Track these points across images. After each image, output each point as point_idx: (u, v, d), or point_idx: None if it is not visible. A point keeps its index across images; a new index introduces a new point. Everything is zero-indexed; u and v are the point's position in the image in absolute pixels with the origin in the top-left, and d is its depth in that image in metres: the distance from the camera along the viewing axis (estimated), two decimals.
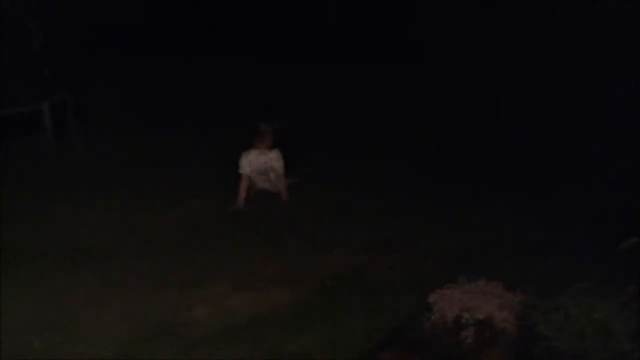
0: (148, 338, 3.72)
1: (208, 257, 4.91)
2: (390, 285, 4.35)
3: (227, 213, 5.68)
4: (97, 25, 10.67)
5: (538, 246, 4.82)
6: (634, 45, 7.19)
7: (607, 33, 7.80)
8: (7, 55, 6.88)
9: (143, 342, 3.68)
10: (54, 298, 4.22)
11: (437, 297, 3.60)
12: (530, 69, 8.55)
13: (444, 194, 5.98)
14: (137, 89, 9.38)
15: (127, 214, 5.71)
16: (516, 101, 8.11)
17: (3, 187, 6.21)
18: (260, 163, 6.00)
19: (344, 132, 7.88)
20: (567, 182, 5.93)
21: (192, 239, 5.23)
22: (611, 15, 7.83)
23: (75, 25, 9.59)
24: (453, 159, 6.91)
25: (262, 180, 6.07)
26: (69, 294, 4.27)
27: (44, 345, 3.62)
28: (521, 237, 5.02)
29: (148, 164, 6.94)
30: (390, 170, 6.63)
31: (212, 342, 3.73)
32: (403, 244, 5.01)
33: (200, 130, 7.91)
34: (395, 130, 7.78)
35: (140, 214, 5.72)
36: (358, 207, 5.75)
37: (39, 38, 7.06)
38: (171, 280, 4.52)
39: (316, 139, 7.50)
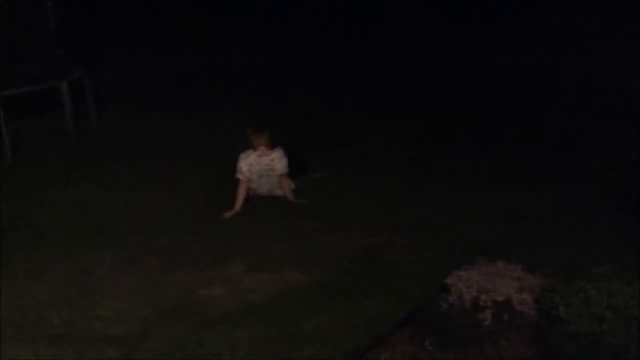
0: (165, 316, 3.74)
1: (221, 237, 4.91)
2: (405, 267, 4.33)
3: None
4: (110, 5, 10.65)
5: (555, 231, 4.76)
6: None
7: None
8: (23, 33, 6.88)
9: (160, 319, 3.70)
10: (71, 275, 4.25)
11: (454, 279, 3.58)
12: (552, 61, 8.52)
13: (457, 179, 5.94)
14: (153, 71, 9.37)
15: (141, 194, 5.72)
16: (532, 91, 8.08)
17: (21, 166, 6.26)
18: (261, 166, 5.49)
19: (350, 118, 7.81)
20: (581, 167, 5.89)
21: (204, 219, 5.24)
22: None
23: (91, 5, 9.59)
24: (466, 146, 6.85)
25: (263, 184, 5.55)
26: (86, 272, 4.30)
27: (64, 321, 3.64)
28: (538, 222, 4.95)
29: (161, 146, 6.95)
30: (403, 156, 6.59)
31: (228, 320, 3.74)
32: (418, 227, 4.97)
33: (214, 114, 7.86)
34: (407, 116, 7.73)
35: (154, 195, 5.73)
36: (371, 192, 5.71)
37: (54, 17, 7.05)
38: (185, 259, 4.54)
39: (321, 126, 7.43)
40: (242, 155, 5.53)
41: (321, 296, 4.00)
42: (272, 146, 5.53)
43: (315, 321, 3.72)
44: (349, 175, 6.10)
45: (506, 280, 3.52)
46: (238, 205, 5.39)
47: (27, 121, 7.32)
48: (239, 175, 5.48)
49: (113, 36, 10.20)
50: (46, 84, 7.00)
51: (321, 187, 5.84)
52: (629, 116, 6.71)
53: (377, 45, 10.13)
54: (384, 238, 4.81)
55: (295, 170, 5.73)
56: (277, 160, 5.52)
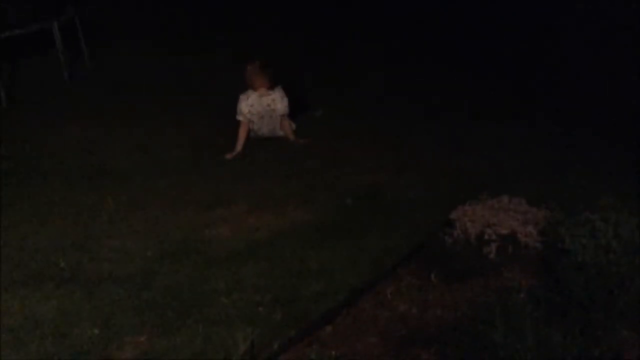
0: (172, 255, 3.76)
1: (223, 178, 4.91)
2: (409, 203, 4.34)
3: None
4: None
5: (560, 164, 4.76)
6: None
7: None
8: None
9: (167, 259, 3.72)
10: (76, 218, 4.24)
11: (459, 214, 3.59)
12: None
13: (458, 115, 5.89)
14: (146, 11, 9.11)
15: (140, 136, 5.68)
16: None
17: (16, 110, 6.17)
18: (262, 106, 5.44)
19: (348, 58, 7.65)
20: (582, 101, 5.84)
21: (205, 160, 5.23)
22: None
23: None
24: (465, 82, 6.75)
25: (264, 125, 5.49)
26: (90, 214, 4.30)
27: (70, 264, 3.65)
28: (541, 156, 4.95)
29: (158, 86, 6.84)
30: (401, 94, 6.51)
31: (234, 259, 3.76)
32: (419, 163, 4.97)
33: (209, 54, 7.71)
34: (404, 54, 7.59)
35: (153, 136, 5.69)
36: (371, 130, 5.68)
37: None
38: (189, 199, 4.55)
39: (319, 64, 7.28)
40: (242, 97, 5.47)
41: (325, 233, 4.01)
42: (272, 86, 5.48)
43: (321, 258, 3.73)
44: (348, 112, 6.06)
45: (511, 214, 3.52)
46: (239, 146, 5.36)
47: (19, 65, 7.18)
48: (239, 117, 5.44)
49: None
50: (37, 25, 6.81)
51: (321, 126, 5.80)
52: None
53: None
54: (386, 175, 4.81)
55: (295, 109, 5.68)
56: (277, 100, 5.48)
